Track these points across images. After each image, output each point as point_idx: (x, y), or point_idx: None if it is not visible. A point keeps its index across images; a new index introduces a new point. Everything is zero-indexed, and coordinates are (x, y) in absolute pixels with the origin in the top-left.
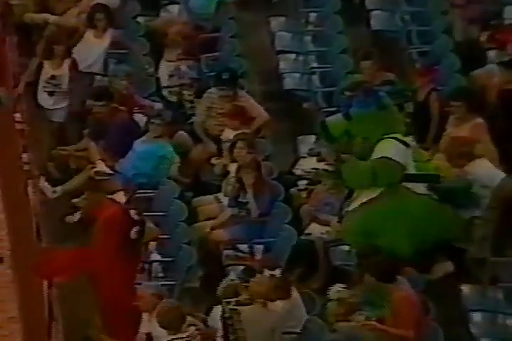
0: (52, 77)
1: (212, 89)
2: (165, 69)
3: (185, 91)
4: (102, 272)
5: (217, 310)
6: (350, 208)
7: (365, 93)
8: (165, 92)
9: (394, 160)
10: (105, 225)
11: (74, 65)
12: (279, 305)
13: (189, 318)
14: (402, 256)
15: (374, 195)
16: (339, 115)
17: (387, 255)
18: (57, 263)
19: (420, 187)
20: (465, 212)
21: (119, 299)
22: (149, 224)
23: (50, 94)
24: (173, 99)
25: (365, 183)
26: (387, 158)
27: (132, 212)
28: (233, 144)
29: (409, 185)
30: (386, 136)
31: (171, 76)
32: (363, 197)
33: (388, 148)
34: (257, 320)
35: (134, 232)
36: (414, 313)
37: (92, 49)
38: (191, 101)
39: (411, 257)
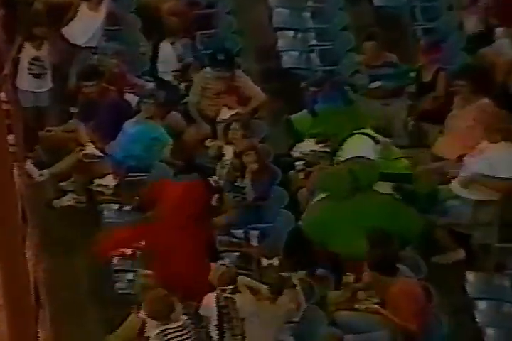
0: (36, 58)
1: (208, 69)
2: (171, 51)
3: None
4: (169, 247)
5: (210, 298)
6: (315, 200)
7: (331, 88)
8: (169, 77)
9: (370, 159)
10: (183, 198)
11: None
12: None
13: (179, 307)
14: (359, 255)
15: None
16: (305, 111)
17: (342, 254)
18: (117, 240)
19: (384, 187)
20: (428, 217)
21: (190, 274)
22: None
23: (36, 76)
24: (176, 82)
25: (346, 188)
26: (363, 157)
27: (211, 180)
28: (228, 125)
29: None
30: (356, 131)
31: (180, 60)
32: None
33: (360, 145)
34: (264, 316)
35: (215, 200)
36: (415, 306)
37: (88, 23)
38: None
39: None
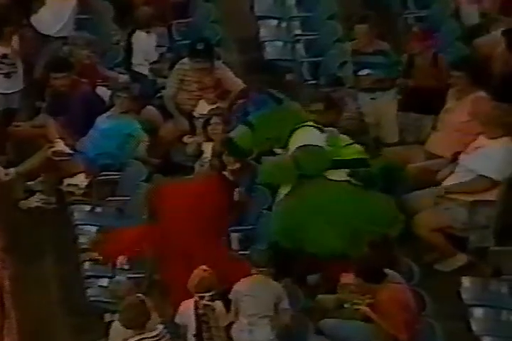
0: (4, 56)
1: (185, 60)
2: (147, 41)
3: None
4: (185, 250)
5: (187, 305)
6: (276, 200)
7: (256, 94)
8: (145, 70)
9: (315, 145)
10: (200, 197)
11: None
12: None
13: (155, 315)
14: (335, 251)
15: (291, 187)
16: (240, 126)
17: (318, 251)
18: (123, 242)
19: (339, 174)
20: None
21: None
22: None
23: (7, 76)
24: (151, 76)
25: (289, 177)
26: (309, 145)
27: (226, 174)
28: (208, 120)
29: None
30: (298, 126)
31: (158, 46)
32: (284, 189)
33: (305, 135)
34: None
35: (236, 194)
36: (405, 314)
37: (58, 11)
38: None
39: (346, 253)
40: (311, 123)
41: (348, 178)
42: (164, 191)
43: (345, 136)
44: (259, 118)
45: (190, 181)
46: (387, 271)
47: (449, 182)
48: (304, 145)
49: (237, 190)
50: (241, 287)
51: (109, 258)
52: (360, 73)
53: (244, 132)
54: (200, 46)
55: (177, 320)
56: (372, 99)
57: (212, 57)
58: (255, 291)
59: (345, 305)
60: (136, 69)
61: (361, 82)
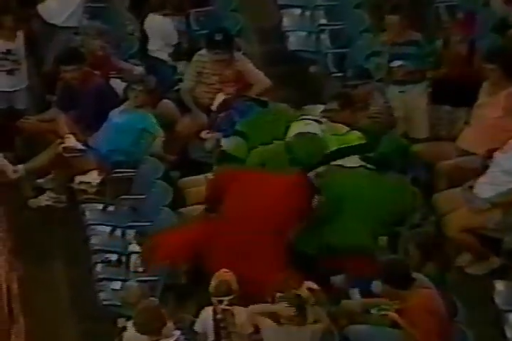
0: (8, 52)
1: (203, 52)
2: (164, 22)
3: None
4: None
5: (207, 313)
6: None
7: (238, 103)
8: (163, 55)
9: (309, 133)
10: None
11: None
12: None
13: (169, 322)
14: (360, 242)
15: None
16: (232, 138)
17: (341, 244)
18: (174, 244)
19: (352, 160)
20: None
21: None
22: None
23: (10, 72)
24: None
25: (279, 161)
26: (305, 133)
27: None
28: None
29: (340, 161)
30: (291, 122)
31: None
32: None
33: (299, 126)
34: None
35: (316, 201)
36: (435, 321)
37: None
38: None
39: (369, 245)
40: (305, 117)
41: (363, 163)
42: (239, 182)
43: (340, 125)
44: (248, 126)
45: (271, 176)
46: (415, 275)
47: (482, 182)
48: (299, 133)
49: (317, 196)
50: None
51: (159, 262)
52: (392, 65)
53: (238, 142)
54: (218, 37)
55: (196, 327)
56: (401, 92)
57: (231, 49)
58: None
59: (372, 311)
60: (155, 54)
61: (393, 73)
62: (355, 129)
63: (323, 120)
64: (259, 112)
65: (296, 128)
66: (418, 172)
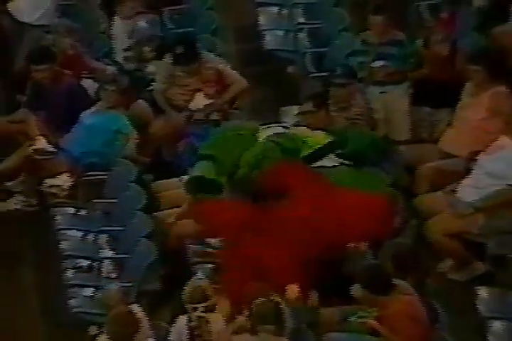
0: None
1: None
2: (121, 28)
3: (145, 48)
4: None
5: (181, 320)
6: None
7: (192, 129)
8: (120, 58)
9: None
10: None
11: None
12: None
13: (146, 327)
14: None
15: None
16: (199, 163)
17: None
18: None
19: (330, 160)
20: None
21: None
22: None
23: None
24: (130, 66)
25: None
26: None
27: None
28: (207, 116)
29: (319, 163)
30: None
31: (130, 37)
32: None
33: (271, 131)
34: None
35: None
36: (416, 328)
37: None
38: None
39: None
40: (271, 125)
41: (341, 161)
42: (307, 181)
43: (305, 128)
44: (213, 147)
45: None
46: (396, 281)
47: (465, 185)
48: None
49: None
50: None
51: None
52: (373, 65)
53: (207, 166)
54: (180, 50)
55: (171, 337)
56: (382, 92)
57: (195, 59)
58: None
59: (351, 318)
60: (117, 58)
61: (374, 74)
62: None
63: (289, 126)
64: (218, 132)
65: (266, 133)
66: (390, 165)
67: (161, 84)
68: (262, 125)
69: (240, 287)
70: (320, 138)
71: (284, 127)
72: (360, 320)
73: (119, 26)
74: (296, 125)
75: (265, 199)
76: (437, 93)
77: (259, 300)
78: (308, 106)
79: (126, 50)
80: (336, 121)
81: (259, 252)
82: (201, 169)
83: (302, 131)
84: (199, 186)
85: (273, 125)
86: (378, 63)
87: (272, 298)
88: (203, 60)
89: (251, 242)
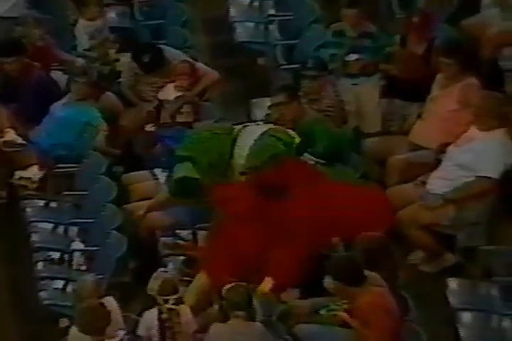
0: None
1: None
2: (83, 29)
3: (110, 50)
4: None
5: (152, 313)
6: None
7: (166, 132)
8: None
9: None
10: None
11: None
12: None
13: (117, 319)
14: None
15: None
16: (178, 165)
17: None
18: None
19: (307, 159)
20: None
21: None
22: None
23: None
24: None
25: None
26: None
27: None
28: (179, 108)
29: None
30: (237, 129)
31: (91, 38)
32: None
33: (253, 132)
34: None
35: None
36: (387, 321)
37: None
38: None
39: None
40: (248, 124)
41: (315, 159)
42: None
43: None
44: (190, 148)
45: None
46: (367, 273)
47: (434, 177)
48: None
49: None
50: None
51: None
52: (348, 58)
53: (187, 166)
54: (146, 58)
55: (140, 331)
56: (354, 84)
57: (162, 66)
58: None
59: (321, 312)
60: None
61: (350, 67)
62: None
63: (264, 124)
64: (193, 133)
65: (248, 135)
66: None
67: (128, 81)
68: (235, 124)
69: (221, 268)
70: (293, 135)
71: (259, 125)
72: (331, 313)
73: (81, 27)
74: (266, 121)
75: (269, 193)
76: (409, 89)
77: (230, 286)
78: (280, 97)
79: (86, 50)
80: (307, 113)
81: (254, 243)
82: (182, 170)
83: (278, 129)
84: (184, 187)
85: (248, 124)
86: (353, 56)
87: (242, 283)
88: (170, 62)
89: (250, 230)
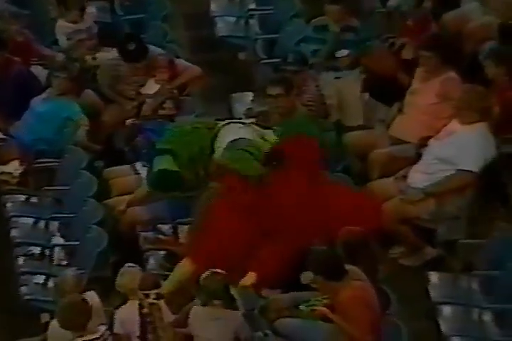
0: None
1: (116, 57)
2: (61, 30)
3: (87, 56)
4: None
5: (133, 307)
6: None
7: (148, 125)
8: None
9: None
10: None
11: None
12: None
13: (99, 314)
14: None
15: None
16: (158, 158)
17: None
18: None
19: None
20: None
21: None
22: None
23: None
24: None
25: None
26: (241, 138)
27: None
28: (161, 104)
29: None
30: (220, 125)
31: (69, 39)
32: None
33: (232, 132)
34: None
35: None
36: (368, 314)
37: None
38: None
39: None
40: (232, 120)
41: None
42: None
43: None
44: (171, 142)
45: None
46: (348, 266)
47: (415, 170)
48: (239, 139)
49: None
50: (195, 323)
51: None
52: (338, 55)
53: (167, 159)
54: (131, 46)
55: (116, 329)
56: (337, 78)
57: (146, 54)
58: (211, 330)
59: (301, 307)
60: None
61: (339, 63)
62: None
63: (248, 121)
64: (174, 126)
65: (229, 132)
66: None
67: (106, 79)
68: (218, 120)
69: (207, 255)
70: (271, 134)
71: (242, 123)
72: (311, 308)
73: (59, 28)
74: (247, 116)
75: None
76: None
77: (207, 274)
78: (277, 89)
79: (64, 51)
80: (299, 107)
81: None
82: (162, 163)
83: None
84: (164, 180)
85: (230, 121)
86: (345, 52)
87: (219, 271)
88: (152, 55)
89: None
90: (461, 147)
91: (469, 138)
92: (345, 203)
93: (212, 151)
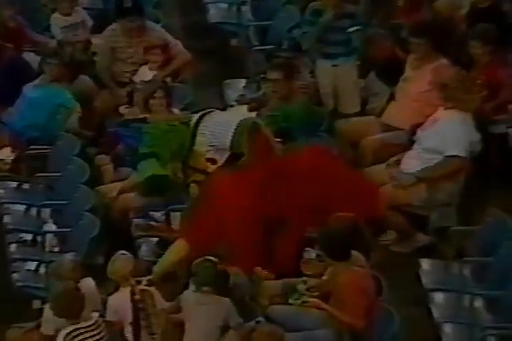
0: None
1: (114, 25)
2: (56, 22)
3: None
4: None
5: (125, 294)
6: None
7: (124, 132)
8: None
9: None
10: None
11: None
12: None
13: (96, 301)
14: None
15: None
16: (142, 163)
17: None
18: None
19: None
20: None
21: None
22: None
23: None
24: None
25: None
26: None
27: None
28: (152, 93)
29: None
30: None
31: (63, 32)
32: None
33: (230, 114)
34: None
35: None
36: (363, 300)
37: None
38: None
39: None
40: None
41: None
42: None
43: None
44: (153, 144)
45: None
46: (353, 252)
47: (408, 157)
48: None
49: None
50: (184, 307)
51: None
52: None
53: (153, 163)
54: (127, 3)
55: (109, 316)
56: (334, 65)
57: (142, 15)
58: (199, 315)
59: (290, 301)
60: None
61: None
62: None
63: (234, 104)
64: (151, 128)
65: (211, 122)
66: None
67: (104, 60)
68: (194, 112)
69: (204, 237)
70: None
71: (211, 111)
72: (302, 300)
73: (54, 20)
74: (241, 102)
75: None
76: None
77: (199, 260)
78: (276, 74)
79: (59, 44)
80: (299, 93)
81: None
82: (148, 169)
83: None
84: (154, 185)
85: (204, 112)
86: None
87: (211, 258)
88: (147, 25)
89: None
90: (443, 134)
91: (450, 124)
92: (347, 190)
93: (193, 144)
